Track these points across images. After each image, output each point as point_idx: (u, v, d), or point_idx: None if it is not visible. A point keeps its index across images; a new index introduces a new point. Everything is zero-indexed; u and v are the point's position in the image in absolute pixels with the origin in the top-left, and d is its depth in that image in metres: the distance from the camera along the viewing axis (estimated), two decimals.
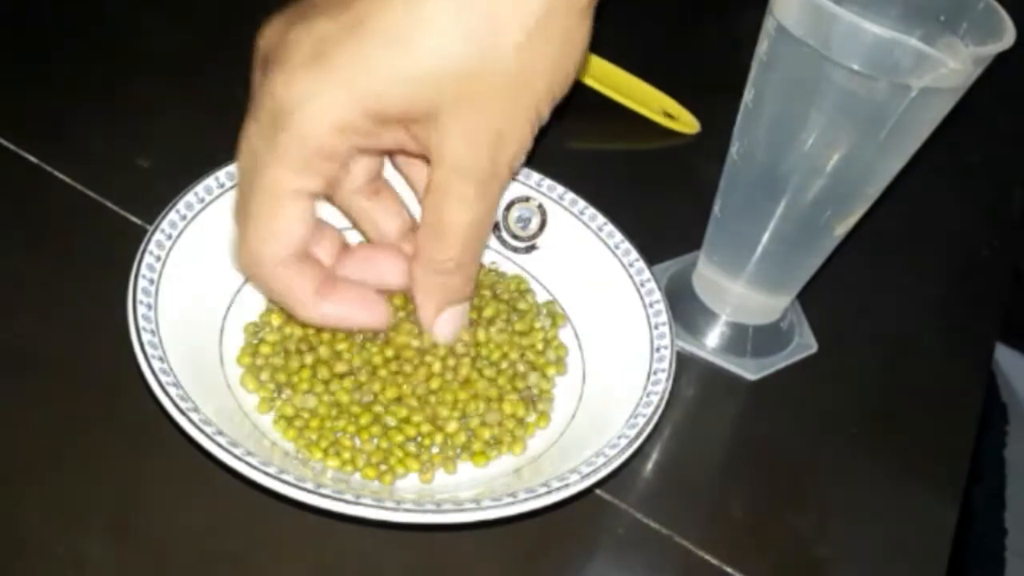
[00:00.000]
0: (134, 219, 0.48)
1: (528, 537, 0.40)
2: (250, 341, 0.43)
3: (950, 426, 0.50)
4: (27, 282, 0.45)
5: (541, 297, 0.47)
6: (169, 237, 0.42)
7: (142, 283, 0.40)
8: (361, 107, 0.35)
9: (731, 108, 0.45)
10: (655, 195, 0.57)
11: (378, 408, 0.41)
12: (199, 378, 0.39)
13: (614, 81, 0.61)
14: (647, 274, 0.46)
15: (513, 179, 0.45)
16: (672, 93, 0.63)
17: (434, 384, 0.42)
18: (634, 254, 0.47)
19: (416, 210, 0.43)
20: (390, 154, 0.43)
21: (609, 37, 0.52)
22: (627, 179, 0.59)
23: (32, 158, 0.49)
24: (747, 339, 0.50)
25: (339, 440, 0.40)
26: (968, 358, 0.55)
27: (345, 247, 0.42)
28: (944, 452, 0.49)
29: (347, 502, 0.35)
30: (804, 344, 0.51)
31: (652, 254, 0.48)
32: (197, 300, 0.42)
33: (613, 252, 0.47)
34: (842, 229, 0.46)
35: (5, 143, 0.50)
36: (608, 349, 0.45)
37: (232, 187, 0.44)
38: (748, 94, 0.44)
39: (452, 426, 0.41)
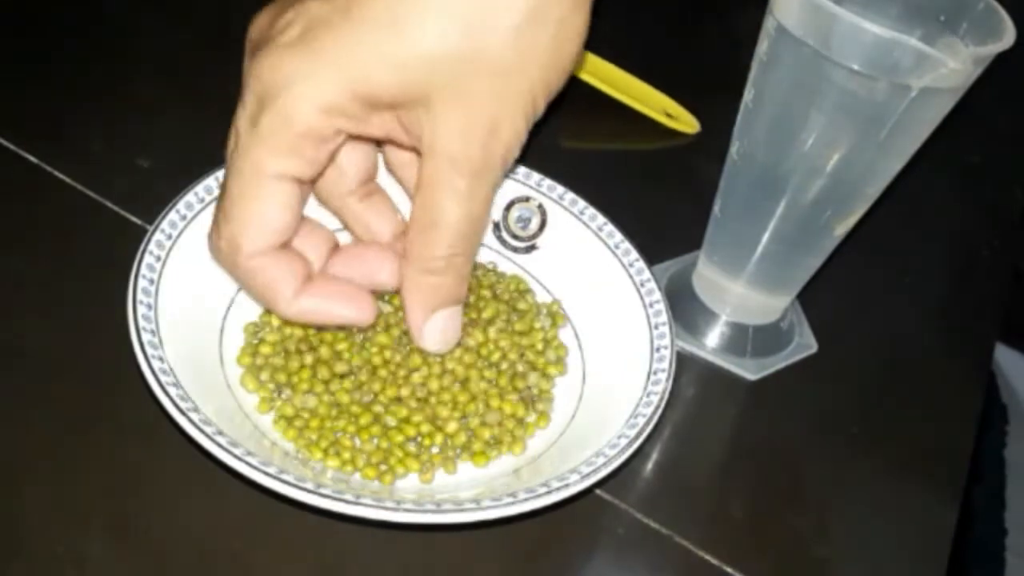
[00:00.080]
0: (134, 219, 0.48)
1: (528, 537, 0.40)
2: (250, 341, 0.43)
3: (950, 426, 0.50)
4: (27, 282, 0.45)
5: (541, 297, 0.47)
6: (169, 237, 0.42)
7: (142, 283, 0.40)
8: (350, 90, 0.35)
9: (731, 108, 0.45)
10: (655, 195, 0.57)
11: (378, 408, 0.41)
12: (199, 378, 0.39)
13: (614, 81, 0.61)
14: (647, 274, 0.46)
15: (507, 176, 0.45)
16: (672, 93, 0.63)
17: (433, 385, 0.42)
18: (634, 254, 0.47)
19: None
20: (380, 145, 0.42)
21: (609, 36, 0.52)
22: (627, 179, 0.59)
23: (32, 158, 0.49)
24: (747, 339, 0.50)
25: (339, 440, 0.40)
26: (968, 358, 0.55)
27: (336, 248, 0.41)
28: (944, 452, 0.49)
29: (347, 502, 0.35)
30: (804, 344, 0.51)
31: (652, 254, 0.48)
32: (197, 300, 0.42)
33: (613, 252, 0.47)
34: (842, 229, 0.46)
35: (5, 143, 0.50)
36: (608, 349, 0.45)
37: None
38: (748, 94, 0.44)
39: (452, 426, 0.41)
